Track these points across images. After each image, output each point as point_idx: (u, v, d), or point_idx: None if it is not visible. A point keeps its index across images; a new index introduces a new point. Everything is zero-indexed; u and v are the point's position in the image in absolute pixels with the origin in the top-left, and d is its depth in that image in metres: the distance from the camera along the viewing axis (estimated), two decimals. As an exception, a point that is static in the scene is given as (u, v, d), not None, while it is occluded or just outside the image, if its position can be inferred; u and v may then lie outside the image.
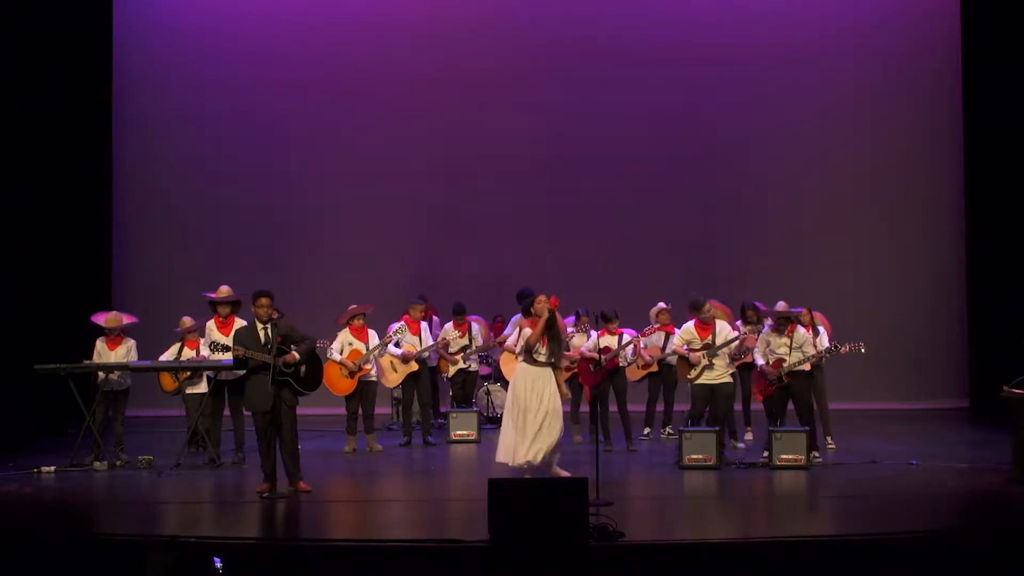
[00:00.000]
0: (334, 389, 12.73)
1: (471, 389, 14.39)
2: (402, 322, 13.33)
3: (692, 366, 11.84)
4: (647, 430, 13.41)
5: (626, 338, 12.61)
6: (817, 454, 11.43)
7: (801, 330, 11.57)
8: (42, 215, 15.32)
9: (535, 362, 10.39)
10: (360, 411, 13.00)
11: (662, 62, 16.92)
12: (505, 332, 13.69)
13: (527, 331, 10.45)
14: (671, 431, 13.41)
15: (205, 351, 12.11)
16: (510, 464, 10.26)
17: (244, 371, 11.64)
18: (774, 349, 11.50)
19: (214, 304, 12.25)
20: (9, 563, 7.96)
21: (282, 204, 16.98)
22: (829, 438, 12.45)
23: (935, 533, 8.32)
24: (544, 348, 10.38)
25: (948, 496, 9.98)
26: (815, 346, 12.07)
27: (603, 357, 12.31)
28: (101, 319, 12.13)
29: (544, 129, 16.93)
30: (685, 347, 11.94)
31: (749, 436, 13.15)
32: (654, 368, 13.13)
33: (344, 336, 12.81)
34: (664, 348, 12.99)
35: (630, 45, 16.95)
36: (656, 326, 12.97)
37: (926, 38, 16.84)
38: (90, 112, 16.20)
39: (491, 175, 16.92)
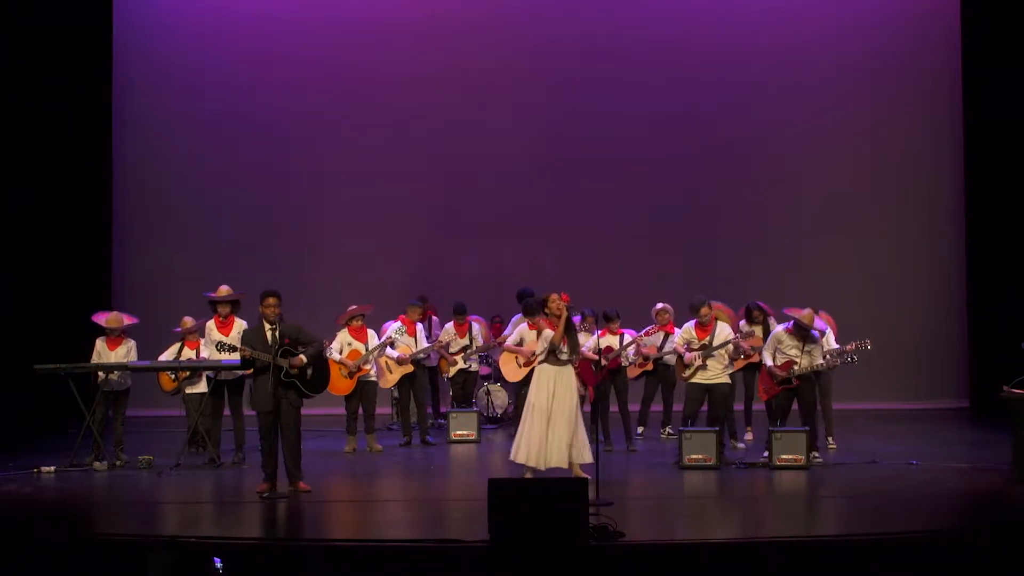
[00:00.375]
0: (333, 389, 12.70)
1: (471, 389, 14.39)
2: (399, 322, 13.33)
3: (686, 366, 11.86)
4: (641, 429, 13.40)
5: (627, 338, 12.62)
6: (817, 454, 11.43)
7: (815, 335, 11.56)
8: (42, 215, 15.32)
9: (558, 361, 10.39)
10: (360, 411, 13.00)
11: (662, 62, 16.92)
12: (505, 332, 13.69)
13: (548, 332, 10.47)
14: (671, 431, 13.41)
15: (205, 351, 12.12)
16: (541, 468, 10.20)
17: (243, 371, 11.73)
18: (784, 351, 11.48)
19: (214, 304, 12.26)
20: (9, 563, 7.96)
21: (282, 204, 16.97)
22: (830, 438, 12.45)
23: (935, 533, 8.32)
24: (566, 346, 10.38)
25: (948, 496, 9.98)
26: (822, 347, 12.09)
27: (605, 357, 12.33)
28: (101, 319, 12.13)
29: (544, 129, 16.93)
30: (684, 346, 11.96)
31: (749, 436, 13.15)
32: (649, 367, 13.10)
33: (343, 336, 12.82)
34: (662, 348, 12.98)
35: (630, 45, 16.95)
36: (655, 326, 12.96)
37: (926, 38, 16.84)
38: (90, 112, 16.19)
39: (491, 175, 16.91)
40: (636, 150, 16.90)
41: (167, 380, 12.24)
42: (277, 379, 10.03)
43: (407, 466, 12.25)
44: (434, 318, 14.94)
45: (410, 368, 13.28)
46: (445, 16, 16.98)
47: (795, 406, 11.62)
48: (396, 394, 14.05)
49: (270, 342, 10.09)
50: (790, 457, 11.01)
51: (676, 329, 12.77)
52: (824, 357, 11.77)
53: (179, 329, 12.37)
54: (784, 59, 16.91)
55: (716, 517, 9.60)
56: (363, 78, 16.97)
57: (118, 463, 11.77)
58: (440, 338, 14.12)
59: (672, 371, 13.05)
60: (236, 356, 10.54)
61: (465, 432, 13.40)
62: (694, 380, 11.82)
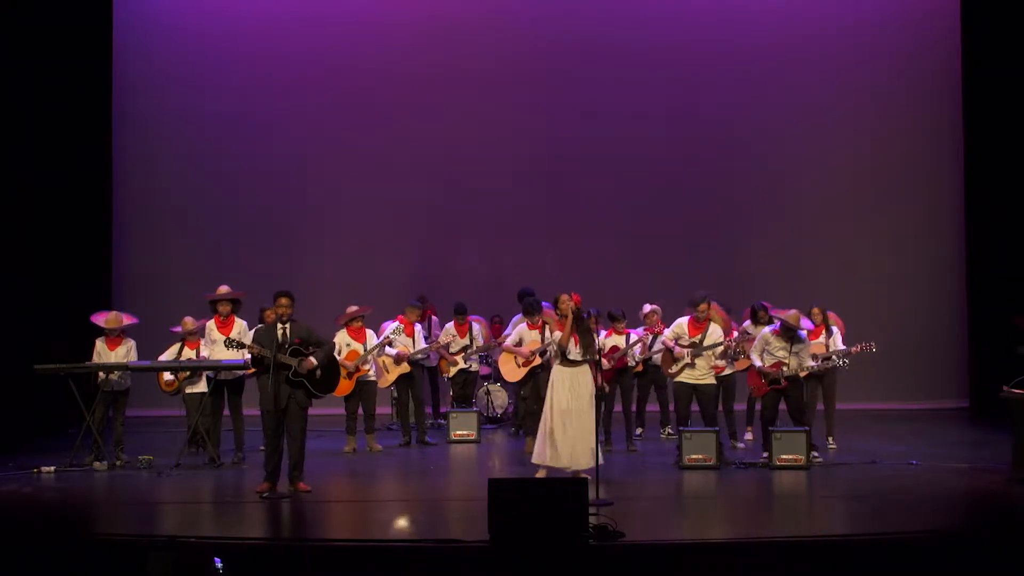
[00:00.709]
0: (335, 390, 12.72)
1: (471, 389, 14.39)
2: (397, 322, 13.34)
3: (675, 361, 11.83)
4: (640, 430, 13.40)
5: (633, 337, 12.62)
6: (817, 454, 11.43)
7: (802, 335, 11.56)
8: (42, 215, 15.30)
9: (571, 363, 10.39)
10: (360, 411, 13.00)
11: (662, 62, 16.92)
12: (505, 332, 13.69)
13: (558, 334, 10.47)
14: (670, 431, 13.42)
15: (205, 351, 12.12)
16: (570, 469, 10.19)
17: (243, 371, 11.74)
18: (772, 352, 11.49)
19: (214, 304, 12.25)
20: (9, 563, 7.96)
21: (282, 204, 16.98)
22: (831, 438, 12.46)
23: (935, 533, 8.32)
24: (577, 347, 10.37)
25: (948, 496, 9.98)
26: (827, 347, 12.10)
27: (611, 357, 12.34)
28: (101, 319, 12.12)
29: (544, 129, 16.94)
30: (673, 341, 11.90)
31: (749, 436, 13.15)
32: (639, 368, 13.05)
33: (342, 337, 12.81)
34: (651, 348, 12.94)
35: (630, 45, 16.96)
36: (659, 326, 12.93)
37: (926, 38, 16.84)
38: (90, 112, 16.19)
39: (491, 175, 16.91)
40: (636, 150, 16.91)
41: (167, 381, 12.23)
42: (285, 378, 10.04)
43: (407, 466, 12.25)
44: (434, 318, 14.95)
45: (407, 368, 13.29)
46: (445, 16, 16.98)
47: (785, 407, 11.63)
48: (395, 394, 14.05)
49: (280, 341, 10.09)
50: (790, 457, 11.02)
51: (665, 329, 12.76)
52: (831, 357, 11.80)
53: (179, 329, 12.35)
54: (784, 59, 16.92)
55: (716, 517, 9.60)
56: (363, 78, 16.98)
57: (118, 463, 11.76)
58: (440, 338, 14.12)
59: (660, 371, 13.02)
60: (244, 353, 10.57)
61: (465, 432, 13.41)
62: (681, 379, 11.79)
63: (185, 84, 16.94)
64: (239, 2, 17.17)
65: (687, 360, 11.73)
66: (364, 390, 12.90)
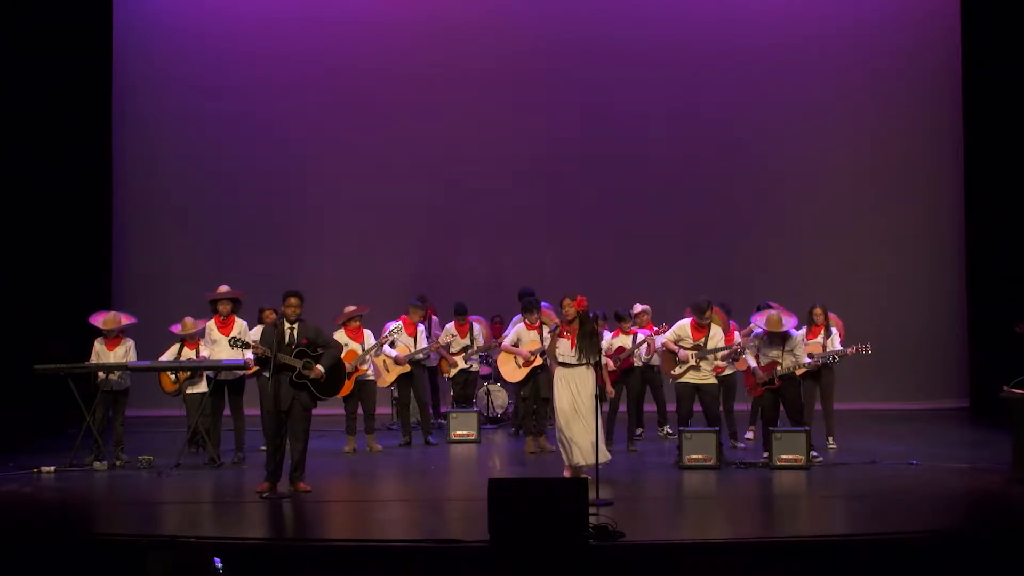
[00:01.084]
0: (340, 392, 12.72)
1: (472, 389, 14.39)
2: (399, 322, 13.34)
3: (678, 363, 11.82)
4: (640, 430, 13.39)
5: (640, 337, 12.61)
6: (817, 454, 11.43)
7: (795, 334, 11.55)
8: (42, 215, 15.31)
9: (568, 364, 10.39)
10: (360, 411, 13.00)
11: (662, 62, 16.92)
12: (505, 332, 13.69)
13: (563, 341, 10.47)
14: (669, 430, 13.42)
15: (205, 351, 12.11)
16: (589, 463, 10.19)
17: (243, 371, 11.73)
18: (766, 353, 11.48)
19: (214, 303, 12.25)
20: (9, 563, 7.96)
21: (282, 204, 16.98)
22: (831, 438, 12.45)
23: (935, 533, 8.31)
24: (572, 349, 10.37)
25: (948, 496, 9.98)
26: (825, 347, 12.09)
27: (618, 357, 12.34)
28: (98, 320, 12.09)
29: (544, 129, 16.94)
30: (676, 344, 11.88)
31: (750, 435, 13.15)
32: (630, 363, 12.97)
33: (339, 337, 12.78)
34: (632, 346, 12.86)
35: (630, 45, 16.96)
36: (662, 326, 12.90)
37: (926, 38, 16.84)
38: (90, 112, 16.19)
39: (491, 175, 16.91)
40: (636, 150, 16.91)
41: (168, 381, 12.22)
42: (289, 380, 10.04)
43: (407, 466, 12.25)
44: (434, 318, 14.95)
45: (407, 368, 13.29)
46: (445, 16, 16.99)
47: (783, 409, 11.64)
48: (396, 394, 14.05)
49: (287, 342, 10.09)
50: (790, 457, 11.01)
51: (650, 329, 12.72)
52: (831, 358, 11.80)
53: (179, 328, 12.33)
54: (784, 59, 16.91)
55: (716, 517, 9.59)
56: (363, 78, 16.98)
57: (118, 463, 11.76)
58: (440, 338, 14.12)
59: (656, 371, 12.99)
60: (248, 352, 10.56)
61: (465, 432, 13.41)
62: (684, 380, 11.78)
63: (185, 84, 16.94)
64: (239, 2, 17.17)
65: (692, 363, 11.72)
66: (363, 390, 12.91)
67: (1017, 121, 15.74)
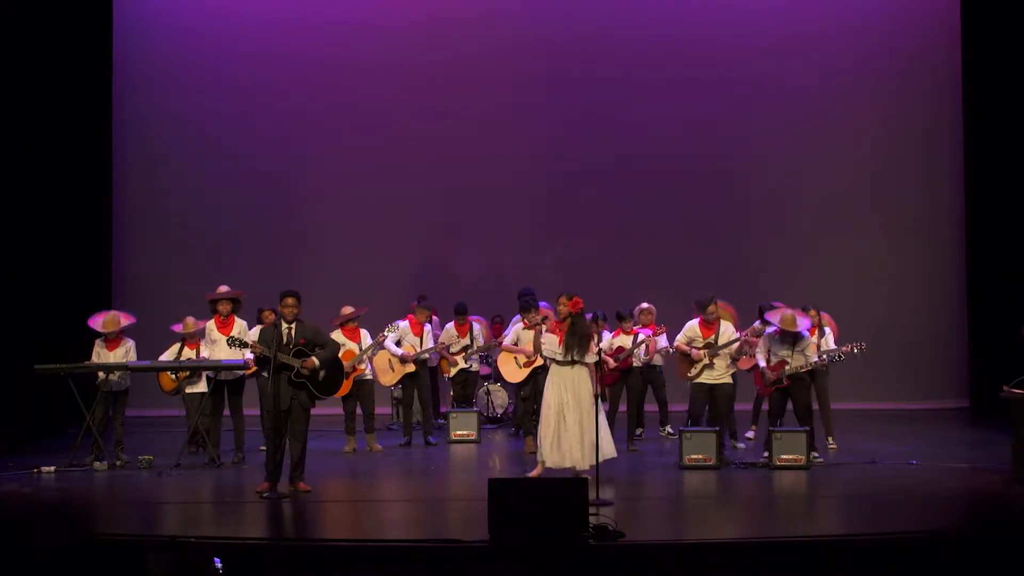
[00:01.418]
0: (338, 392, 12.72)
1: (472, 389, 14.40)
2: (406, 321, 13.35)
3: (692, 364, 11.83)
4: (640, 430, 13.39)
5: (641, 337, 12.61)
6: (817, 454, 11.43)
7: (806, 335, 11.55)
8: (42, 215, 15.31)
9: (559, 363, 10.37)
10: (359, 411, 13.00)
11: (662, 62, 16.93)
12: (505, 332, 13.70)
13: (549, 336, 10.46)
14: (670, 430, 13.42)
15: (205, 351, 12.12)
16: (554, 467, 10.23)
17: (243, 371, 11.73)
18: (776, 352, 11.48)
19: (214, 303, 12.25)
20: (9, 563, 7.96)
21: (282, 204, 16.98)
22: (831, 438, 12.45)
23: (935, 533, 8.31)
24: (559, 346, 10.35)
25: (948, 496, 9.98)
26: (819, 347, 12.09)
27: (617, 357, 12.34)
28: (98, 323, 12.05)
29: (544, 129, 16.94)
30: (688, 344, 11.91)
31: (750, 435, 13.15)
32: (630, 363, 12.99)
33: (336, 337, 12.77)
34: (632, 346, 12.86)
35: (630, 45, 16.96)
36: (660, 327, 12.91)
37: (926, 38, 16.84)
38: (90, 112, 16.19)
39: (491, 175, 16.92)
40: (636, 150, 16.92)
41: (167, 380, 12.23)
42: (288, 379, 10.03)
43: (407, 466, 12.25)
44: (434, 318, 14.94)
45: (412, 368, 13.30)
46: (445, 16, 16.99)
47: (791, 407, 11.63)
48: (396, 394, 14.05)
49: (285, 341, 10.09)
50: (790, 457, 11.01)
51: (651, 329, 12.71)
52: (820, 356, 11.80)
53: (180, 327, 12.33)
54: (784, 59, 16.92)
55: (716, 517, 9.59)
56: (363, 78, 16.99)
57: (118, 463, 11.76)
58: (441, 338, 14.11)
59: (659, 370, 13.02)
60: (246, 351, 10.58)
61: (465, 432, 13.41)
62: (699, 380, 11.78)
63: (185, 84, 16.95)
64: (239, 2, 17.17)
65: (706, 361, 11.72)
66: (361, 390, 12.91)
67: (1017, 121, 15.74)
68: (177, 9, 17.15)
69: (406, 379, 13.38)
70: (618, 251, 16.81)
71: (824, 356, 11.88)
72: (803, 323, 11.57)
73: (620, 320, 12.67)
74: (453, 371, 14.04)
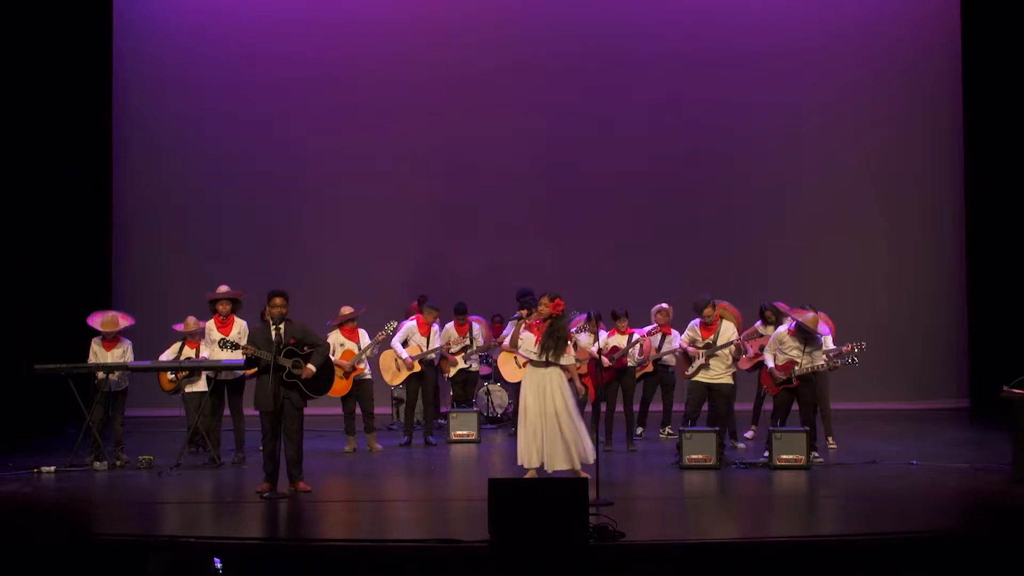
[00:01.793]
0: (330, 390, 12.70)
1: (472, 389, 14.39)
2: (413, 321, 13.36)
3: (690, 362, 11.87)
4: (640, 430, 13.40)
5: (635, 337, 12.62)
6: (817, 454, 11.43)
7: (819, 338, 11.54)
8: (43, 215, 15.31)
9: (537, 363, 10.36)
10: (359, 411, 13.00)
11: (662, 62, 16.93)
12: (504, 332, 13.70)
13: (527, 335, 10.46)
14: (670, 431, 13.42)
15: (205, 351, 12.11)
16: (525, 466, 10.21)
17: (243, 371, 11.72)
18: (785, 351, 11.48)
19: (214, 303, 12.25)
20: (9, 563, 7.96)
21: (282, 204, 16.98)
22: (830, 438, 12.45)
23: (935, 533, 8.31)
24: (535, 346, 10.34)
25: (948, 496, 9.97)
26: (823, 347, 12.09)
27: (611, 357, 12.34)
28: (96, 321, 12.05)
29: (544, 129, 16.94)
30: (689, 344, 11.95)
31: (750, 434, 13.15)
32: (649, 368, 13.07)
33: (335, 337, 12.78)
34: (660, 348, 12.96)
35: (630, 45, 16.96)
36: (656, 326, 12.93)
37: (926, 38, 16.84)
38: (90, 112, 16.19)
39: (491, 175, 16.92)
40: (636, 150, 16.92)
41: (166, 379, 12.23)
42: (279, 379, 10.03)
43: (407, 466, 12.25)
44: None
45: (418, 367, 13.31)
46: (445, 16, 17.00)
47: (795, 406, 11.63)
48: (396, 393, 14.04)
49: (274, 341, 10.08)
50: (790, 457, 11.01)
51: (672, 331, 12.79)
52: (848, 359, 11.81)
53: (181, 327, 12.33)
54: (784, 59, 16.91)
55: (716, 517, 9.60)
56: (363, 78, 16.99)
57: (118, 463, 11.75)
58: (440, 338, 14.10)
59: (672, 372, 13.07)
60: (238, 353, 10.55)
61: (465, 432, 13.41)
62: (697, 379, 11.81)
63: (185, 84, 16.95)
64: (239, 3, 17.17)
65: (701, 361, 11.73)
66: (360, 389, 12.90)
67: (1017, 121, 15.74)
68: (177, 9, 17.14)
69: (412, 378, 13.38)
70: (618, 251, 16.80)
71: (838, 360, 11.83)
72: (823, 328, 11.58)
73: (615, 319, 12.67)
74: (453, 371, 14.03)
